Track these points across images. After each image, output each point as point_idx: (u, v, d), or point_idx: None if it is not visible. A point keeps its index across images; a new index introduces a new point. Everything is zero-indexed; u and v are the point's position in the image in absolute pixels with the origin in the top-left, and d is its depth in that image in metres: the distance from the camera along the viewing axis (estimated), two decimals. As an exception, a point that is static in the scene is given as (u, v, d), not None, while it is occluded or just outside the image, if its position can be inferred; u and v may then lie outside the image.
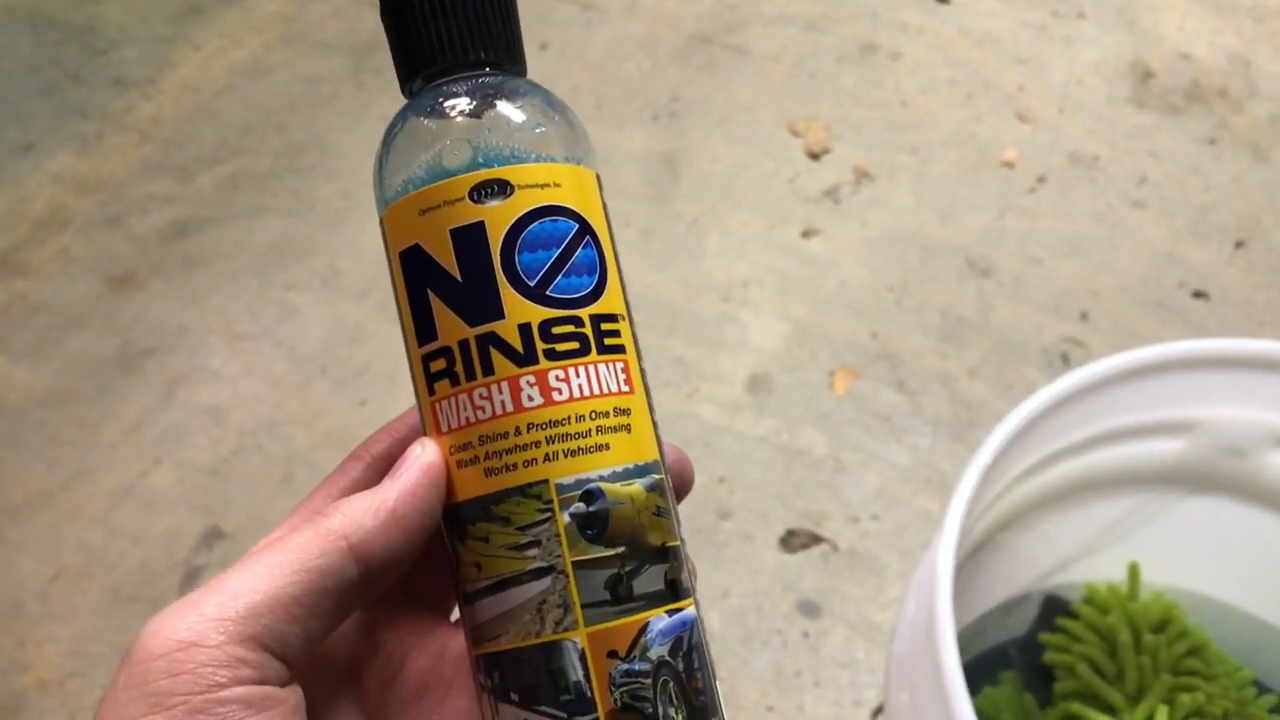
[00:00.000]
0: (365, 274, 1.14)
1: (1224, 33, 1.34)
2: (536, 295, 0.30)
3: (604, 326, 0.31)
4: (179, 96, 1.33)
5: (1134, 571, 0.72)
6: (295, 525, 0.29)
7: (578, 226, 0.31)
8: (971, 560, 0.68)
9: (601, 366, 0.30)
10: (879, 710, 0.82)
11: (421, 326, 0.31)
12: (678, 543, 0.32)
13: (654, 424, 0.32)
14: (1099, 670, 0.68)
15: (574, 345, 0.30)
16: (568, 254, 0.30)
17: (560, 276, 0.30)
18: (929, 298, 1.09)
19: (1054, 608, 0.73)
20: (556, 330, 0.30)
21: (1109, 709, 0.66)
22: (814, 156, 1.22)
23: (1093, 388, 0.61)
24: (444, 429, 0.31)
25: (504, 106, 0.31)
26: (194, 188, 1.24)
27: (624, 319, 0.32)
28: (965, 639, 0.73)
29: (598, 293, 0.31)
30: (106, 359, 1.09)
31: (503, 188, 0.30)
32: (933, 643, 0.50)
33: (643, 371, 0.32)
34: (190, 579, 0.93)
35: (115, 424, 1.04)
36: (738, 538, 0.93)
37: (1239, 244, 1.12)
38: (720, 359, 1.05)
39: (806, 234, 1.15)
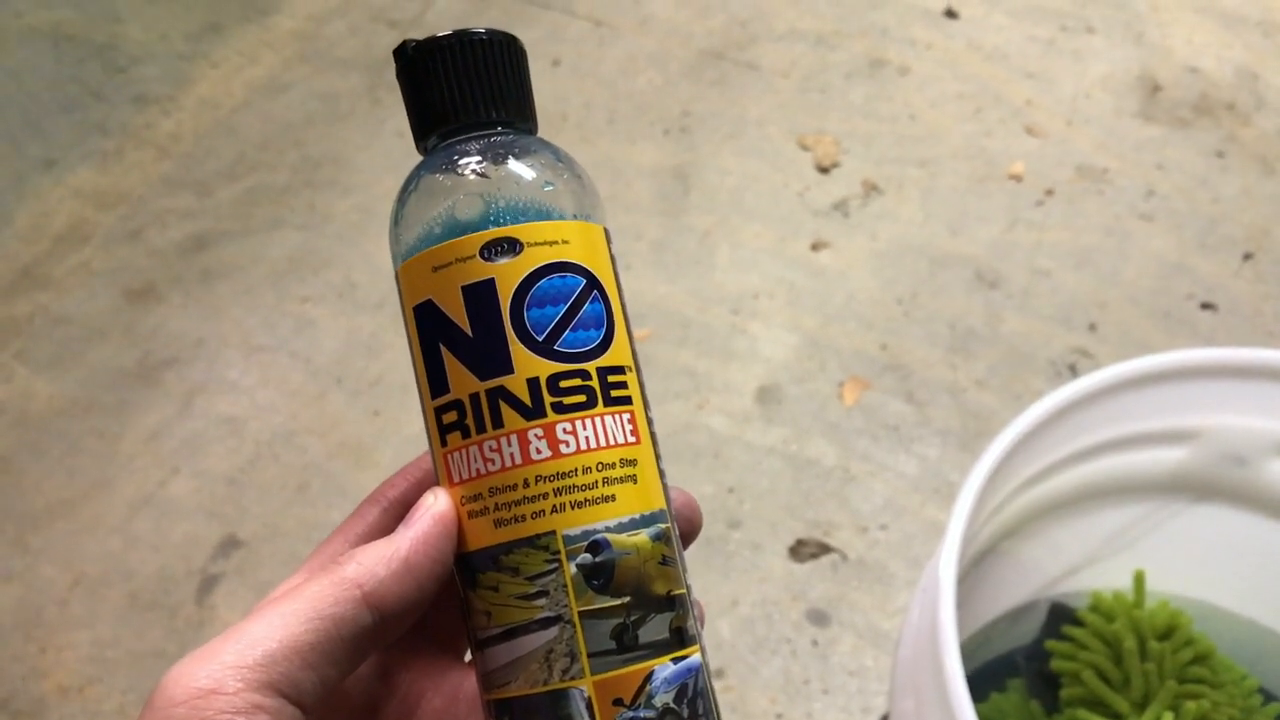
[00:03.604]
0: (380, 287, 1.15)
1: (1232, 46, 1.34)
2: (544, 350, 0.31)
3: (611, 379, 0.31)
4: (198, 113, 1.36)
5: (1139, 579, 0.72)
6: (313, 570, 0.30)
7: (585, 282, 0.31)
8: (977, 568, 0.69)
9: (608, 418, 0.31)
10: (886, 717, 0.83)
11: (434, 379, 0.31)
12: (683, 590, 0.32)
13: (660, 473, 0.33)
14: (1105, 677, 0.68)
15: (581, 398, 0.31)
16: (575, 309, 0.31)
17: (568, 331, 0.31)
18: (938, 309, 1.09)
19: (1060, 615, 0.74)
20: (564, 384, 0.31)
21: (1115, 716, 0.67)
22: (823, 170, 1.23)
23: (1096, 396, 0.62)
24: (455, 480, 0.31)
25: (514, 165, 0.32)
26: (212, 202, 1.26)
27: (631, 370, 0.32)
28: (972, 646, 0.73)
29: (605, 346, 0.31)
30: (126, 370, 1.10)
31: (512, 245, 0.31)
32: (936, 649, 0.51)
33: (649, 421, 0.33)
34: (207, 586, 0.95)
35: (134, 434, 1.05)
36: (747, 547, 0.93)
37: (1247, 256, 1.13)
38: (730, 370, 1.05)
39: (816, 246, 1.16)
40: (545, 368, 0.30)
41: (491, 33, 0.33)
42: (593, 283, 0.32)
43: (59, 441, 1.05)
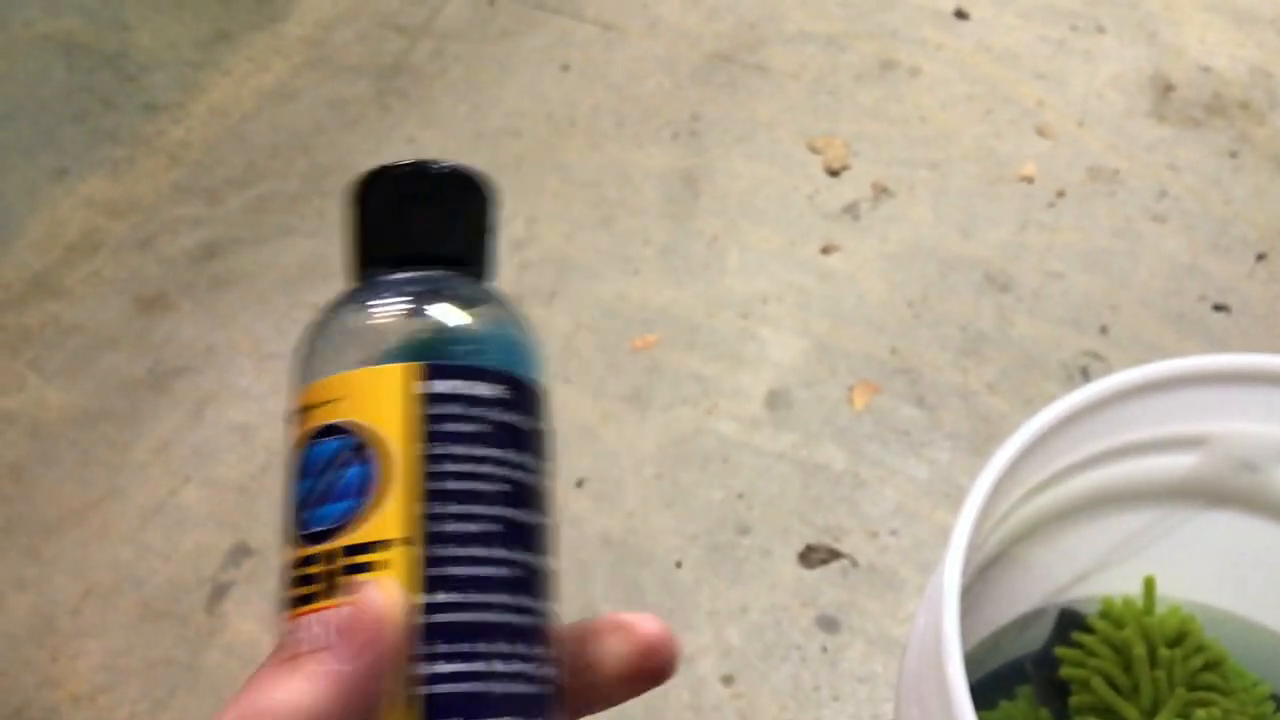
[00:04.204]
0: (389, 293, 1.16)
1: (1245, 45, 1.33)
2: (293, 531, 0.26)
3: (357, 560, 0.25)
4: (208, 120, 1.36)
5: (1149, 585, 0.72)
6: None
7: (348, 442, 0.26)
8: (985, 574, 0.68)
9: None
10: (897, 725, 0.82)
11: None
12: None
13: None
14: (1114, 685, 0.68)
15: (312, 589, 0.25)
16: (329, 479, 0.26)
17: (315, 506, 0.26)
18: (948, 312, 1.09)
19: (1069, 622, 0.73)
20: (300, 571, 0.26)
21: (1125, 724, 0.66)
22: (833, 173, 1.23)
23: (1105, 402, 0.61)
24: None
25: (326, 320, 0.29)
26: (223, 210, 1.26)
27: (405, 545, 0.25)
28: (981, 653, 0.73)
29: (359, 517, 0.25)
30: (137, 379, 1.11)
31: (299, 413, 0.27)
32: (939, 657, 0.50)
33: (462, 606, 0.26)
34: (218, 595, 0.95)
35: (146, 443, 1.06)
36: (757, 553, 0.93)
37: (1260, 256, 1.12)
38: (739, 374, 1.05)
39: (826, 250, 1.15)
40: (292, 552, 0.26)
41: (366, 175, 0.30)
42: (360, 442, 0.26)
43: (71, 450, 1.06)
